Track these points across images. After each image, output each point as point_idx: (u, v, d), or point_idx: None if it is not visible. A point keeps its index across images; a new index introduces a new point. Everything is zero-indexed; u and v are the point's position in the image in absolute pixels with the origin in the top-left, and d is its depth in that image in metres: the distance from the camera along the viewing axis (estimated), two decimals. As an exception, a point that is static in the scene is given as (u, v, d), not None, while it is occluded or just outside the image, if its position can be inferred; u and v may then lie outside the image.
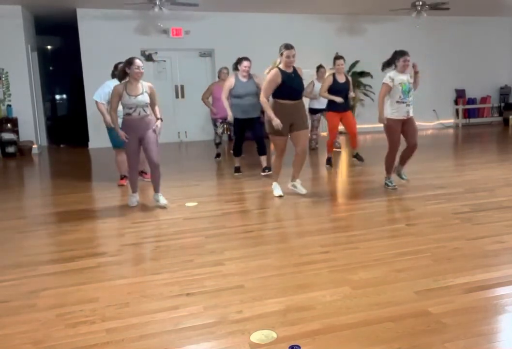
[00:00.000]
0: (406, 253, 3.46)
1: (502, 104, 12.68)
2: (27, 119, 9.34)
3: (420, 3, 8.86)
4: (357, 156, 7.18)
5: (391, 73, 5.20)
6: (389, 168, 5.44)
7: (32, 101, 9.50)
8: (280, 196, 5.10)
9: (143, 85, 4.73)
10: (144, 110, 4.71)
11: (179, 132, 10.81)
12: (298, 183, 5.27)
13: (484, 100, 12.63)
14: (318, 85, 8.06)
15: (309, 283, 2.99)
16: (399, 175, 5.56)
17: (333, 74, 6.85)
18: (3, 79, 9.17)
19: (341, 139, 9.76)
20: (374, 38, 11.19)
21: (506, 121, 12.18)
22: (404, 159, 5.51)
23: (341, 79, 6.81)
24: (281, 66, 4.89)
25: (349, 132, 7.07)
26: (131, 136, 4.70)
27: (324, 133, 9.07)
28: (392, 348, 2.24)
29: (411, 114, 5.23)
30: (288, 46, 4.83)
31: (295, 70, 4.97)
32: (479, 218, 4.28)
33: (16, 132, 9.13)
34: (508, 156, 7.72)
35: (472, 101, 12.50)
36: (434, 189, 5.31)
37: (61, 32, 11.91)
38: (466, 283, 2.92)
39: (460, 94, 12.33)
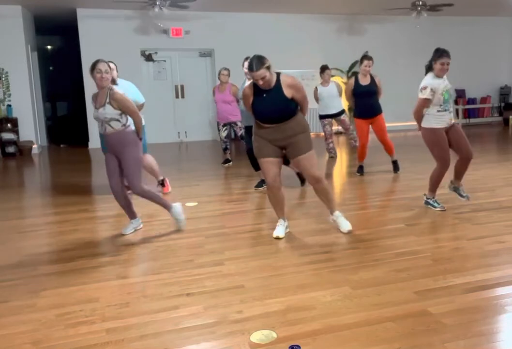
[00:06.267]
0: (406, 253, 3.46)
1: (502, 104, 12.69)
2: (27, 119, 9.35)
3: (420, 3, 8.86)
4: (394, 163, 6.43)
5: (430, 83, 4.25)
6: (433, 187, 4.59)
7: (32, 101, 9.50)
8: (277, 238, 3.85)
9: (108, 95, 3.78)
10: (110, 125, 3.82)
11: (179, 132, 10.82)
12: (336, 216, 3.99)
13: (484, 100, 12.64)
14: (323, 91, 7.54)
15: (309, 283, 2.99)
16: (456, 191, 4.70)
17: (356, 77, 6.25)
18: (3, 79, 9.17)
19: (340, 141, 9.73)
20: (374, 38, 11.20)
21: (506, 121, 12.18)
22: (459, 173, 4.66)
23: (364, 81, 6.14)
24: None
25: (378, 138, 6.36)
26: (108, 153, 3.99)
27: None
28: (392, 348, 2.24)
29: (453, 120, 4.45)
30: (250, 67, 3.51)
31: (278, 83, 3.60)
32: (479, 218, 4.28)
33: (16, 132, 9.14)
34: (508, 156, 7.72)
35: (472, 101, 12.51)
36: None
37: (61, 32, 11.92)
38: (466, 283, 2.92)
39: (460, 94, 12.34)
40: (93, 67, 3.73)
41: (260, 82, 3.52)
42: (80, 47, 9.67)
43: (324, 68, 7.61)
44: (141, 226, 4.26)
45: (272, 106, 3.60)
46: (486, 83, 12.49)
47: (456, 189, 4.69)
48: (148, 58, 10.43)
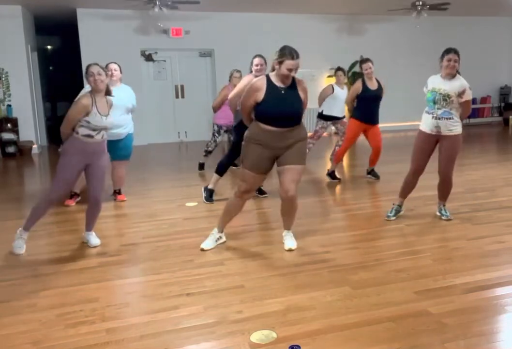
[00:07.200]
0: (406, 253, 3.46)
1: (502, 104, 12.69)
2: (27, 119, 9.34)
3: (420, 3, 8.86)
4: (372, 172, 6.19)
5: (430, 78, 4.23)
6: (401, 191, 4.40)
7: (32, 101, 9.50)
8: (202, 250, 3.65)
9: (108, 102, 3.69)
10: (106, 132, 3.70)
11: (179, 132, 10.82)
12: (286, 233, 3.74)
13: (484, 100, 12.63)
14: (338, 91, 6.95)
15: (309, 283, 2.99)
16: (439, 211, 4.39)
17: (363, 80, 5.84)
18: (3, 79, 9.16)
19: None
20: (374, 38, 11.20)
21: (506, 121, 12.19)
22: (440, 193, 4.37)
23: (372, 85, 5.80)
24: (272, 75, 3.42)
25: (373, 147, 6.06)
26: (76, 161, 3.58)
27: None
28: (392, 348, 2.24)
29: (444, 131, 4.07)
30: (292, 54, 3.28)
31: (293, 84, 3.43)
32: (479, 218, 4.28)
33: (16, 132, 9.13)
34: (508, 156, 7.73)
35: (472, 101, 12.48)
36: (434, 189, 5.29)
37: (61, 32, 11.92)
38: (466, 283, 2.93)
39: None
40: (86, 71, 3.59)
41: (293, 73, 3.33)
42: (80, 47, 9.66)
43: (337, 69, 7.14)
44: (26, 236, 3.81)
45: (290, 105, 3.39)
46: (486, 83, 12.48)
47: (439, 209, 4.39)
48: (148, 58, 10.42)
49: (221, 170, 5.15)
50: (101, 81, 3.54)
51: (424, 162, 4.22)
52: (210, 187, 5.18)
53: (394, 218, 4.33)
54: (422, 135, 4.18)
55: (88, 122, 3.52)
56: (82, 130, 3.54)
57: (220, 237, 3.79)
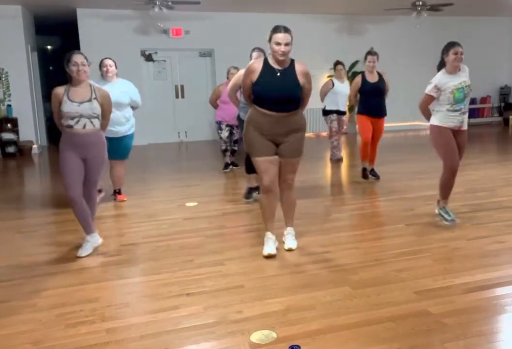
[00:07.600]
0: (406, 253, 3.46)
1: (502, 104, 12.69)
2: (27, 119, 9.35)
3: (420, 3, 8.87)
4: (371, 172, 6.06)
5: (438, 79, 3.95)
6: (444, 192, 4.12)
7: (32, 101, 9.51)
8: (270, 256, 3.43)
9: (94, 91, 3.57)
10: (92, 122, 3.54)
11: (179, 132, 10.83)
12: (288, 232, 3.69)
13: (484, 100, 12.64)
14: (339, 85, 7.14)
15: (309, 283, 2.99)
16: (440, 213, 4.20)
17: (363, 74, 5.83)
18: (3, 79, 9.17)
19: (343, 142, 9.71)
20: (374, 38, 11.20)
21: (506, 121, 12.19)
22: (443, 189, 4.16)
23: (371, 78, 5.72)
24: (270, 57, 3.38)
25: (372, 141, 5.93)
26: (70, 154, 3.53)
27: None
28: (392, 348, 2.24)
29: (464, 126, 4.02)
30: (279, 28, 3.24)
31: (292, 66, 3.35)
32: (479, 218, 4.28)
33: (16, 132, 9.14)
34: (508, 156, 7.73)
35: (472, 101, 12.48)
36: (434, 189, 5.30)
37: (61, 32, 11.92)
38: (466, 283, 2.92)
39: (460, 94, 12.34)
40: (68, 59, 3.46)
41: (283, 48, 3.21)
42: (80, 47, 9.65)
43: (336, 63, 7.30)
44: (100, 241, 3.74)
45: (285, 88, 3.28)
46: (486, 83, 12.48)
47: (441, 209, 4.20)
48: (148, 58, 10.43)
49: (249, 169, 4.96)
50: (84, 71, 3.49)
51: (457, 156, 4.06)
52: (248, 185, 5.16)
53: (453, 219, 4.08)
54: (446, 131, 3.99)
55: (62, 111, 3.50)
56: (64, 121, 3.54)
57: (276, 238, 3.61)
